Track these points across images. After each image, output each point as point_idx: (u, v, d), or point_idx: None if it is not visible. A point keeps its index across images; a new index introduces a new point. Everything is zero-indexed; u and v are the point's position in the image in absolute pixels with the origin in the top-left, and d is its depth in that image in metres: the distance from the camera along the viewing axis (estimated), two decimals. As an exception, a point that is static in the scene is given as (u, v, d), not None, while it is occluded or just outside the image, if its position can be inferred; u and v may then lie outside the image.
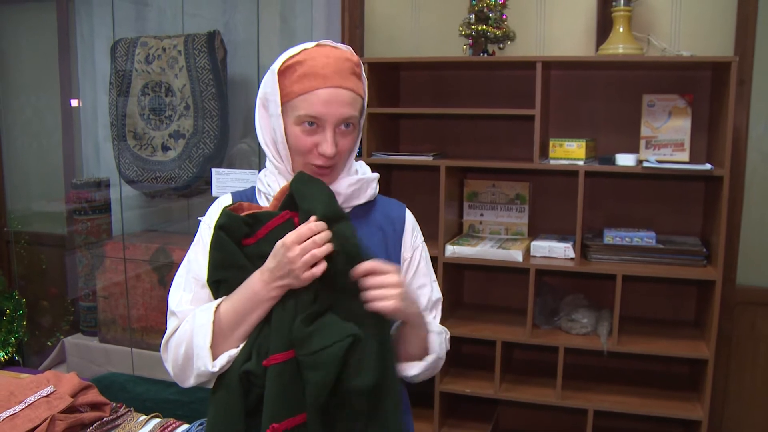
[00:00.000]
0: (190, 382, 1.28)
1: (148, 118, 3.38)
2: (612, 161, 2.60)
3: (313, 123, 1.26)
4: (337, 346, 1.14)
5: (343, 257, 1.19)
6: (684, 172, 2.49)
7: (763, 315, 2.89)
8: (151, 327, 3.40)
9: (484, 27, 2.77)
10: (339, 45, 1.33)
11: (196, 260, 1.35)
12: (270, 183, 1.36)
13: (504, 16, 2.80)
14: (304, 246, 1.16)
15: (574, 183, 2.62)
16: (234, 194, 1.42)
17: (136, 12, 3.65)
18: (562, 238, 2.81)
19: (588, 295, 2.89)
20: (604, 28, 2.85)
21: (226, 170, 2.98)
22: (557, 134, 2.86)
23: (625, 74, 2.83)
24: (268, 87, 1.32)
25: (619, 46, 2.62)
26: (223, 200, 1.41)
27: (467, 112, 2.81)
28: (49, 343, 3.78)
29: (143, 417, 1.89)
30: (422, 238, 1.48)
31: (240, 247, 1.26)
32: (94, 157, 3.87)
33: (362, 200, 1.37)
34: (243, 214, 1.26)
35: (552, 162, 2.65)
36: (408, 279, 1.43)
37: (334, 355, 1.14)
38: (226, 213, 1.26)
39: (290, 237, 1.18)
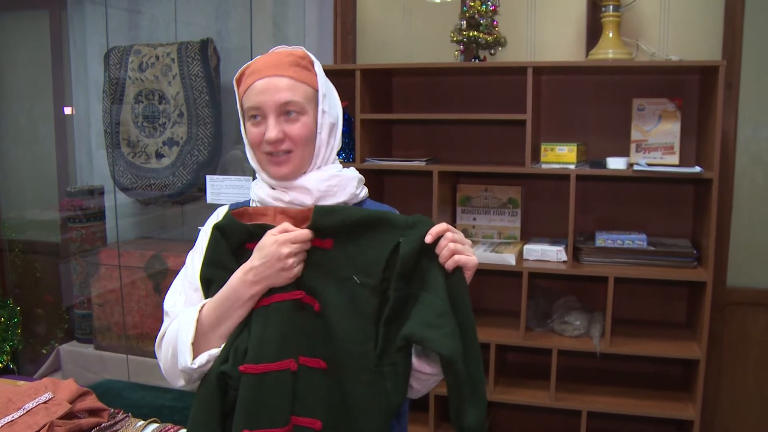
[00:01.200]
0: (180, 382, 1.31)
1: (142, 125, 3.38)
2: (603, 165, 2.63)
3: (257, 116, 1.32)
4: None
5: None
6: (674, 175, 2.52)
7: (754, 315, 2.92)
8: (146, 334, 3.40)
9: (476, 33, 2.80)
10: (290, 47, 1.39)
11: (192, 266, 1.38)
12: (255, 189, 1.41)
13: (495, 23, 2.83)
14: (300, 246, 1.22)
15: (566, 187, 2.65)
16: (231, 205, 1.46)
17: (129, 20, 3.65)
18: (554, 242, 2.84)
19: (580, 297, 2.92)
20: (593, 34, 2.88)
21: (221, 177, 2.98)
22: (548, 138, 2.89)
23: (615, 79, 2.86)
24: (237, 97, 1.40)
25: (608, 51, 2.66)
26: (221, 211, 1.44)
27: (459, 117, 2.84)
28: (44, 351, 3.77)
29: (141, 422, 1.90)
30: None
31: (237, 250, 1.28)
32: (88, 165, 3.86)
33: (341, 199, 1.37)
34: (250, 222, 1.30)
35: (544, 166, 2.67)
36: None
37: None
38: (229, 216, 1.29)
39: (283, 235, 1.22)
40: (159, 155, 3.36)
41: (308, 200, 1.34)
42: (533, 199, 3.03)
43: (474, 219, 3.05)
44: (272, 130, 1.31)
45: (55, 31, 3.86)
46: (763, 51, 2.79)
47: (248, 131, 1.35)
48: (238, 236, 1.28)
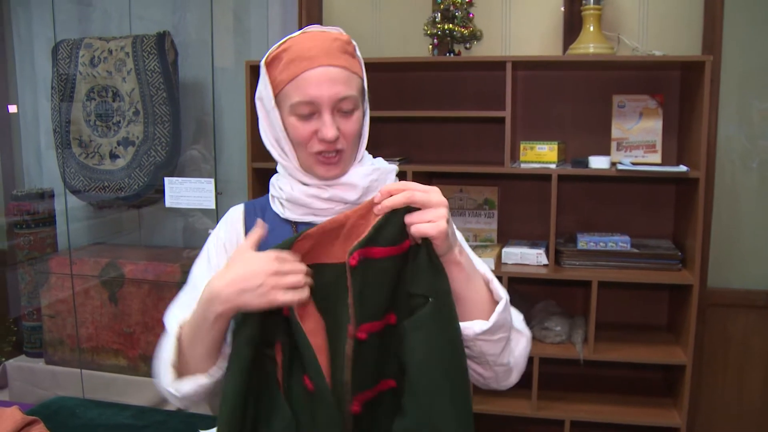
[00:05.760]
0: (176, 403, 1.19)
1: (95, 124, 3.20)
2: (585, 164, 2.53)
3: (309, 110, 1.16)
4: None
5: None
6: (659, 174, 2.43)
7: (734, 317, 2.86)
8: (101, 347, 3.22)
9: (451, 26, 2.68)
10: (327, 28, 1.23)
11: (200, 275, 1.24)
12: (282, 186, 1.25)
13: (471, 15, 2.71)
14: (291, 268, 1.06)
15: (544, 187, 2.55)
16: (247, 204, 1.33)
17: (78, 12, 3.49)
18: (533, 244, 2.73)
19: (559, 301, 2.82)
20: (570, 27, 2.79)
21: (180, 179, 2.84)
22: (525, 137, 2.78)
23: (594, 75, 2.77)
24: (261, 83, 1.23)
25: (589, 45, 2.56)
26: (235, 213, 1.32)
27: (435, 114, 2.71)
28: (-11, 367, 3.57)
29: (96, 453, 1.72)
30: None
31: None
32: (36, 167, 3.71)
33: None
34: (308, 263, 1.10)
35: (523, 165, 2.56)
36: None
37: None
38: (287, 243, 1.10)
39: (277, 253, 1.06)
40: (113, 156, 3.19)
41: (352, 196, 1.22)
42: (510, 199, 2.91)
43: (449, 221, 2.93)
44: (331, 129, 1.16)
45: (-3, 24, 3.66)
46: (744, 46, 2.73)
47: (293, 126, 1.19)
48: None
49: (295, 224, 1.26)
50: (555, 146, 2.53)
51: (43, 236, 3.48)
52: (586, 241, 2.58)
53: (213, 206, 2.80)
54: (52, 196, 3.53)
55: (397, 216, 1.05)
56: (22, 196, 3.47)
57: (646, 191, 2.79)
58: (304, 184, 1.24)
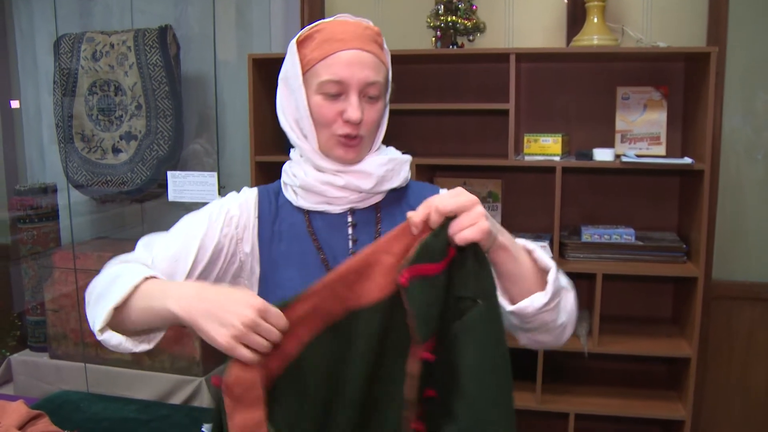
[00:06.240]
0: (88, 319, 1.15)
1: (97, 118, 3.19)
2: (590, 156, 2.51)
3: (336, 90, 1.17)
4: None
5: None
6: (664, 166, 2.42)
7: (739, 310, 2.85)
8: (105, 341, 3.22)
9: (454, 18, 2.66)
10: (358, 18, 1.24)
11: (194, 225, 1.23)
12: (296, 173, 1.25)
13: (474, 7, 2.70)
14: (267, 328, 0.96)
15: (548, 179, 2.54)
16: (260, 189, 1.31)
17: (80, 6, 3.47)
18: (537, 237, 2.72)
19: (564, 294, 2.81)
20: (574, 19, 2.77)
21: (183, 173, 2.83)
22: (529, 129, 2.77)
23: (598, 66, 2.75)
24: (288, 61, 1.23)
25: (593, 37, 2.54)
26: (249, 194, 1.29)
27: (439, 107, 2.70)
28: (-6, 362, 3.57)
29: (101, 447, 1.72)
30: None
31: None
32: (39, 162, 3.70)
33: (396, 183, 1.27)
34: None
35: (527, 158, 2.55)
36: None
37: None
38: (283, 303, 1.01)
39: (264, 305, 0.97)
40: (116, 150, 3.18)
41: (367, 185, 1.22)
42: (514, 192, 2.90)
43: (452, 214, 2.92)
44: (357, 110, 1.16)
45: (-1, 19, 3.65)
46: (749, 37, 2.71)
47: (318, 105, 1.19)
48: None
49: (308, 212, 1.25)
50: (559, 139, 2.52)
51: (46, 231, 3.46)
52: (590, 234, 2.57)
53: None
54: (54, 190, 3.52)
55: (438, 231, 1.02)
56: (25, 191, 3.46)
57: (650, 183, 2.78)
58: (319, 170, 1.22)
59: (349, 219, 1.26)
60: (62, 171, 3.32)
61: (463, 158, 2.72)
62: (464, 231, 0.99)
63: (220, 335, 0.94)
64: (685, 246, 2.52)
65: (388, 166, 1.24)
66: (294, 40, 1.22)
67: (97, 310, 1.10)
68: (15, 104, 3.70)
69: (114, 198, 3.38)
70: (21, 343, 3.60)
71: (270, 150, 2.79)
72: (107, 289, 1.11)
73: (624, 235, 2.55)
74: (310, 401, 1.02)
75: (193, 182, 2.79)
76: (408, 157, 1.31)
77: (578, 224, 2.71)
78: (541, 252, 1.14)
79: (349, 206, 1.25)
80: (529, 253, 1.13)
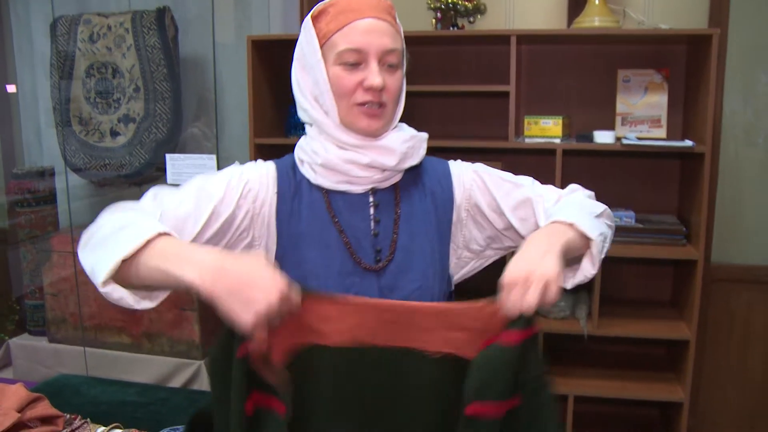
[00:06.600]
0: (84, 264, 1.08)
1: (95, 101, 3.17)
2: (590, 139, 2.50)
3: (355, 58, 1.16)
4: None
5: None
6: (664, 149, 2.41)
7: (738, 292, 2.85)
8: (104, 324, 3.21)
9: None
10: None
11: (211, 185, 1.19)
12: (316, 149, 1.21)
13: (475, -12, 2.68)
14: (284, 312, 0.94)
15: (548, 161, 2.53)
16: (278, 163, 1.27)
17: (76, -12, 3.43)
18: (537, 220, 2.71)
19: (563, 277, 2.81)
20: (575, 1, 2.75)
21: (182, 156, 2.83)
22: (529, 111, 2.76)
23: (599, 49, 2.73)
24: (303, 39, 1.22)
25: (594, 18, 2.52)
26: (268, 168, 1.25)
27: (439, 89, 2.68)
28: (-7, 346, 3.57)
29: (102, 428, 1.72)
30: (476, 169, 1.36)
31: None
32: (36, 145, 3.67)
33: (415, 161, 1.25)
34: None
35: (528, 140, 2.54)
36: (504, 212, 1.32)
37: None
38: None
39: (289, 288, 0.94)
40: (114, 133, 3.16)
41: (391, 162, 1.20)
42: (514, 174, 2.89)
43: (452, 197, 2.91)
44: (377, 76, 1.15)
45: (-6, 1, 3.61)
46: (751, 20, 2.69)
47: (338, 77, 1.17)
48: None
49: (327, 192, 1.23)
50: (559, 121, 2.51)
51: (44, 214, 3.45)
52: (590, 217, 2.56)
53: (215, 183, 2.79)
54: (52, 174, 3.50)
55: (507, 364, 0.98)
56: (23, 175, 3.44)
57: (650, 166, 2.77)
58: (341, 147, 1.20)
59: (371, 199, 1.24)
60: (60, 154, 3.30)
61: (463, 140, 2.71)
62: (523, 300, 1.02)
63: (243, 317, 0.90)
64: (684, 229, 2.52)
65: (410, 143, 1.23)
66: (309, 16, 1.20)
67: (100, 258, 1.02)
68: (11, 88, 3.67)
69: (112, 181, 3.36)
70: (20, 327, 3.59)
71: (269, 132, 2.77)
72: (112, 237, 1.04)
73: (624, 217, 2.55)
74: (321, 402, 1.04)
75: (192, 165, 2.78)
76: (425, 135, 1.29)
77: (578, 207, 2.70)
78: (582, 222, 1.14)
79: (371, 186, 1.23)
80: (571, 226, 1.14)
